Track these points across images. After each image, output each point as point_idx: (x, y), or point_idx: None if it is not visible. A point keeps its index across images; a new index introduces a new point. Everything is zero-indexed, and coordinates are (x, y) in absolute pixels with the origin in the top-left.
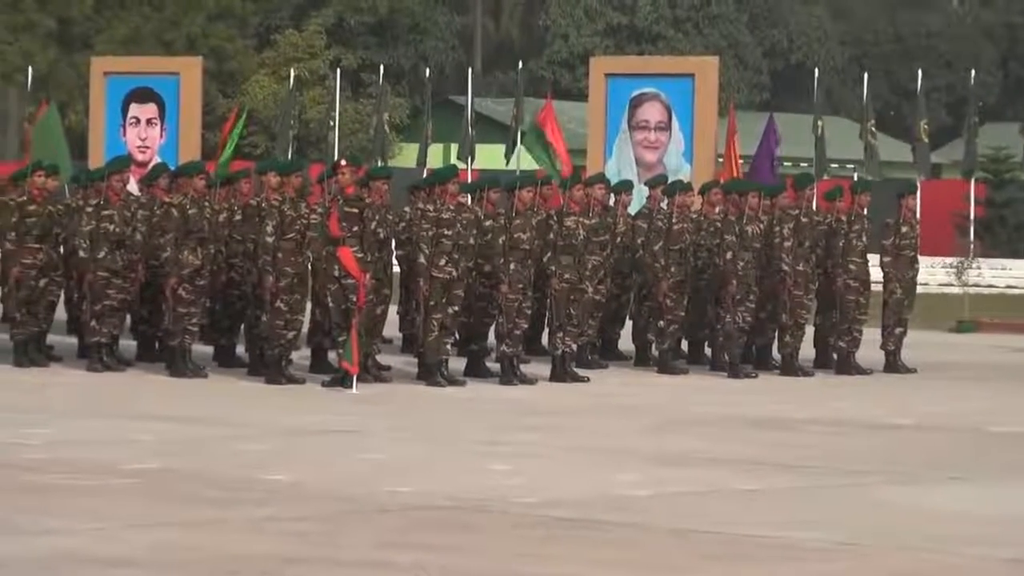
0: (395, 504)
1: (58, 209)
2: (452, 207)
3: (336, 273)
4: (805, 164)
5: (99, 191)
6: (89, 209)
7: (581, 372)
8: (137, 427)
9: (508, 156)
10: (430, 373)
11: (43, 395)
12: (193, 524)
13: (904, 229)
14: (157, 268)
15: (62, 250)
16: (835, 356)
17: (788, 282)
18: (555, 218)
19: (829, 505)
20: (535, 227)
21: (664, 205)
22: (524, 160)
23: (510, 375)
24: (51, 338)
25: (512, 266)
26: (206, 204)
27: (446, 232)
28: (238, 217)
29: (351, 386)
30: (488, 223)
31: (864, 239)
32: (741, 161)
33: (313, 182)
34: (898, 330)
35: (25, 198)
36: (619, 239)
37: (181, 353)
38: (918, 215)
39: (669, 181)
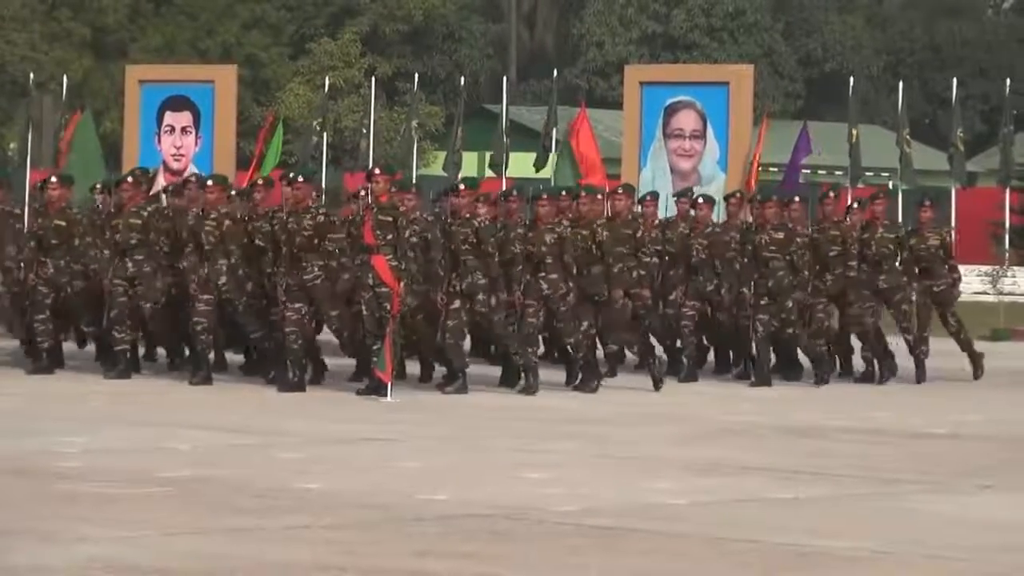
0: (431, 512)
1: (76, 218)
2: (473, 215)
3: (370, 281)
4: (840, 172)
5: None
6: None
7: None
8: (172, 435)
9: (538, 164)
10: (454, 376)
11: (77, 404)
12: (228, 532)
13: (920, 239)
14: (176, 276)
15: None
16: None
17: (808, 290)
18: (581, 228)
19: (863, 514)
20: (558, 237)
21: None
22: (552, 168)
23: (533, 383)
24: (72, 350)
25: (529, 276)
26: (226, 213)
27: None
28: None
29: (386, 394)
30: (509, 233)
31: (888, 248)
32: (775, 170)
33: (347, 193)
34: (922, 335)
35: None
36: (645, 248)
37: (200, 359)
38: (953, 223)
39: (695, 191)
